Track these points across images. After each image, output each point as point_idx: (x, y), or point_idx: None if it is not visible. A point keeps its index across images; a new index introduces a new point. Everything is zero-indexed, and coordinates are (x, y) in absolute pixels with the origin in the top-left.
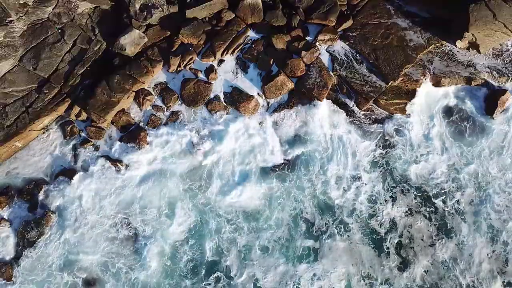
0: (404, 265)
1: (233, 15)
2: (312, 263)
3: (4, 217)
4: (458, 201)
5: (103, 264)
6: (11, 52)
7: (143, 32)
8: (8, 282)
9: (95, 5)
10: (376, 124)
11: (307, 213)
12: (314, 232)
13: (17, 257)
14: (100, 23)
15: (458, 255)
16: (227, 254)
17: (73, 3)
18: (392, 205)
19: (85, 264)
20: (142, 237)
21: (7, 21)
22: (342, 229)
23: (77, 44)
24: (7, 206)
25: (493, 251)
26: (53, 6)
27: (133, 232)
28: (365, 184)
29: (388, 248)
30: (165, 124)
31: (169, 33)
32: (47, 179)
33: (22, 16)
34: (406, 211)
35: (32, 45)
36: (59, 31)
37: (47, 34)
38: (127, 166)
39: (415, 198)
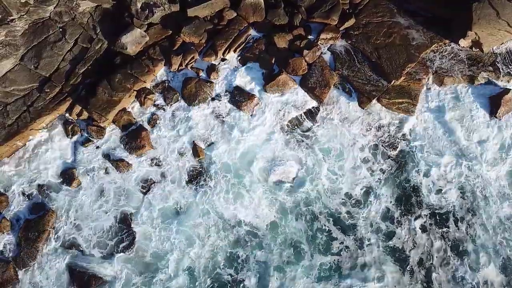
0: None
1: (235, 14)
2: (337, 282)
3: (5, 216)
4: (467, 214)
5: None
6: (12, 51)
7: (145, 31)
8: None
9: (96, 4)
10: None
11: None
12: (333, 248)
13: (17, 258)
14: (101, 22)
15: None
16: (243, 274)
17: (75, 2)
18: (405, 219)
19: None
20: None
21: (8, 20)
22: (361, 245)
23: (78, 43)
24: (7, 205)
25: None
26: (54, 5)
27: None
28: (376, 197)
29: (411, 266)
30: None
31: (170, 32)
32: (48, 179)
33: (23, 15)
34: (421, 226)
35: (34, 44)
36: (60, 30)
37: (48, 33)
38: (128, 164)
39: (426, 214)
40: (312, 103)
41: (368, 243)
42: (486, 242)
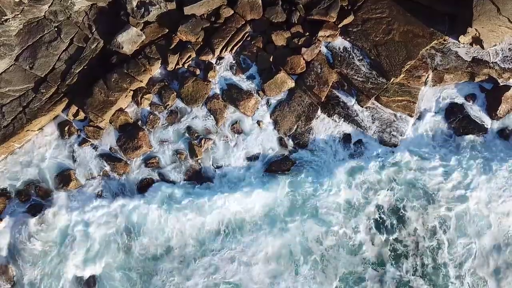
0: None
1: (232, 12)
2: None
3: (2, 218)
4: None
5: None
6: (7, 51)
7: (141, 30)
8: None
9: (91, 3)
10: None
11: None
12: None
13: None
14: (97, 21)
15: None
16: None
17: (69, 1)
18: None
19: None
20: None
21: (2, 19)
22: None
23: (74, 42)
24: (5, 207)
25: None
26: (49, 4)
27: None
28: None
29: None
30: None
31: (167, 30)
32: (45, 180)
33: (18, 15)
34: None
35: (28, 43)
36: (56, 29)
37: (43, 32)
38: (126, 164)
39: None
40: None
41: None
42: None
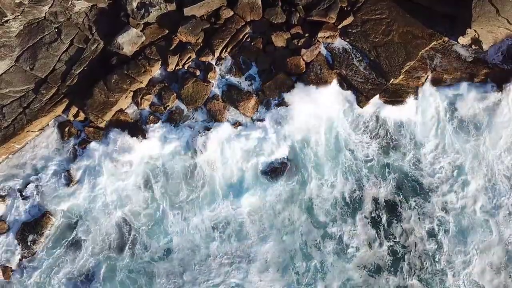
0: None
1: (232, 13)
2: None
3: (2, 218)
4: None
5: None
6: (7, 52)
7: (141, 31)
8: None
9: (91, 4)
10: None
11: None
12: None
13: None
14: (97, 22)
15: None
16: None
17: (70, 2)
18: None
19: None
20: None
21: (3, 20)
22: None
23: (74, 43)
24: (5, 207)
25: None
26: (49, 5)
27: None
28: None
29: None
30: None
31: (167, 31)
32: (45, 181)
33: (18, 16)
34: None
35: (29, 45)
36: (56, 30)
37: (43, 33)
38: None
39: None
40: None
41: None
42: None
